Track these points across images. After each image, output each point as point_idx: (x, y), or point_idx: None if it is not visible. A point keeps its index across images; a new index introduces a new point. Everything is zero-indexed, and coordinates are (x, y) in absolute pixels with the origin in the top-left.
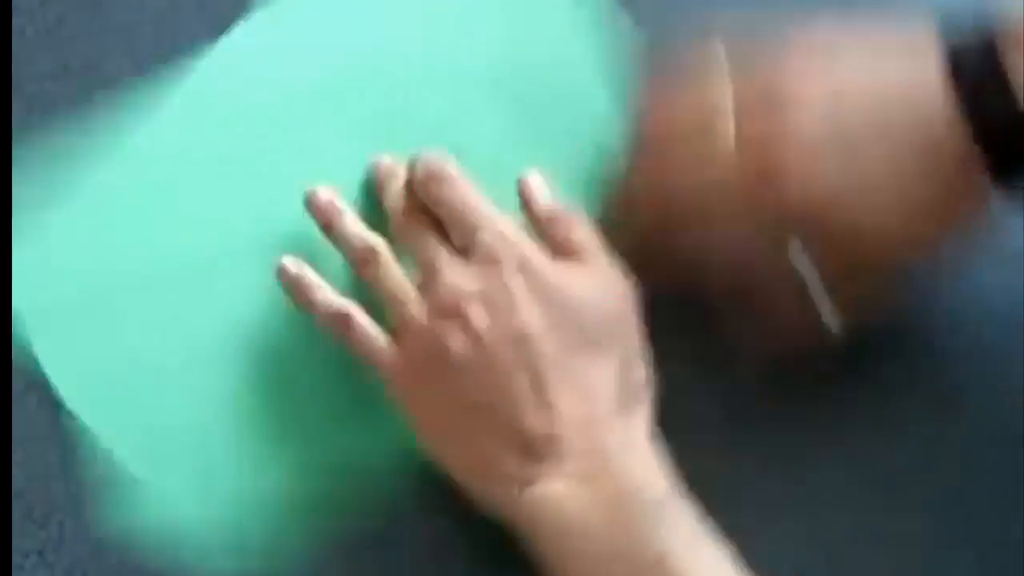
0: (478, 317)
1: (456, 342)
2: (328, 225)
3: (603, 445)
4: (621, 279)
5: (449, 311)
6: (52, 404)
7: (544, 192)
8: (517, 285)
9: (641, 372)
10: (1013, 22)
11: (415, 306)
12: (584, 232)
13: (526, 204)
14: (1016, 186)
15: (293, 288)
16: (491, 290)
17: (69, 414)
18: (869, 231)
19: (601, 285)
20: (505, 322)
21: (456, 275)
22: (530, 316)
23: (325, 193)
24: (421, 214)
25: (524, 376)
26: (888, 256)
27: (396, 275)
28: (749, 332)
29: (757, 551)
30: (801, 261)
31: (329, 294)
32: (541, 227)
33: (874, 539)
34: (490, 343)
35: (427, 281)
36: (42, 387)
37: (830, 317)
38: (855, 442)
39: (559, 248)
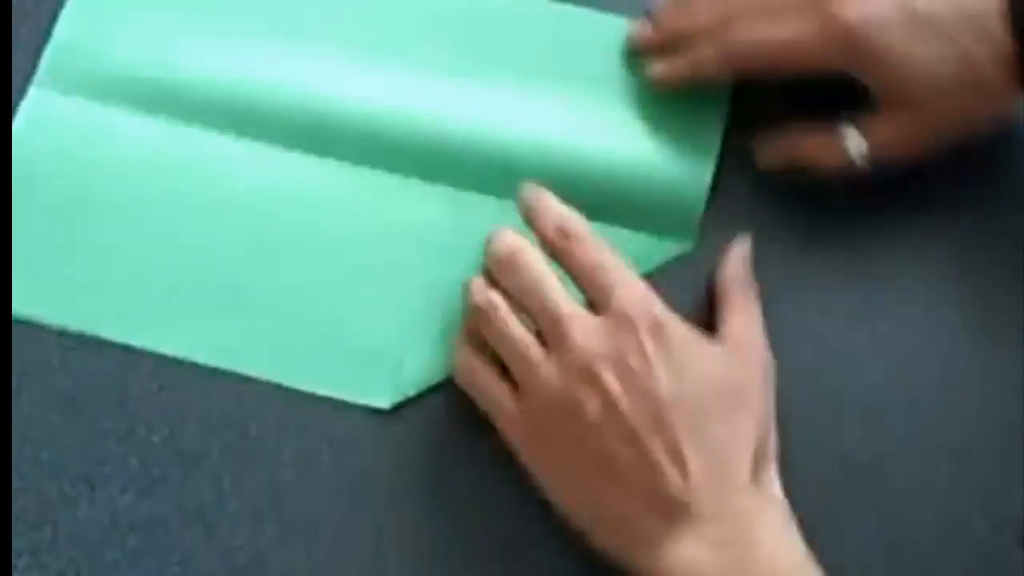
0: (611, 381)
1: (591, 406)
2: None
3: (739, 510)
4: (756, 347)
5: (582, 374)
6: (43, 403)
7: (740, 261)
8: (651, 348)
9: (772, 437)
10: None
11: (544, 365)
12: (750, 306)
13: (720, 266)
14: None
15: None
16: (625, 352)
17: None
18: (915, 83)
19: (732, 357)
20: (640, 386)
21: (588, 335)
22: (664, 380)
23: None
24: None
25: (658, 440)
26: (924, 112)
27: (518, 330)
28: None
29: None
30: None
31: (461, 346)
32: (721, 290)
33: None
34: (624, 407)
35: (556, 339)
36: (34, 387)
37: (857, 148)
38: None
39: (722, 304)
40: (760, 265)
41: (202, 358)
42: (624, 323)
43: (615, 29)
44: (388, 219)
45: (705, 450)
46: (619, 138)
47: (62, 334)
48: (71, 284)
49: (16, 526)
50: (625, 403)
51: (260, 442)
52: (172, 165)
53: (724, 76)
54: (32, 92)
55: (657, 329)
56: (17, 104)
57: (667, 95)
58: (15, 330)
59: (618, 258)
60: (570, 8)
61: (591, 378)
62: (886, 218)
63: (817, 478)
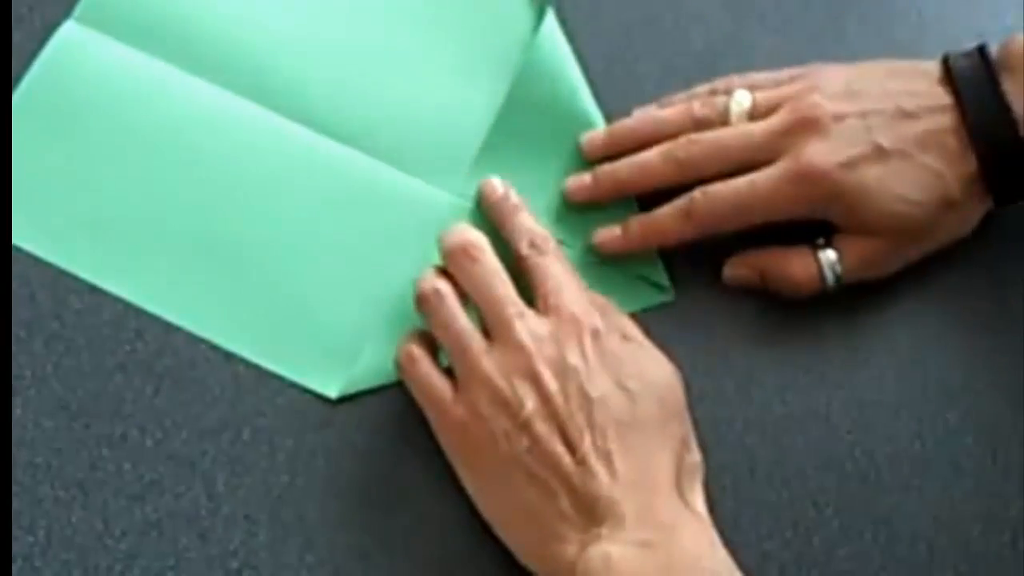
0: (549, 378)
1: (527, 401)
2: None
3: (662, 515)
4: (673, 368)
5: (522, 369)
6: (37, 408)
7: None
8: (591, 350)
9: (696, 455)
10: (1011, 50)
11: (485, 357)
12: (634, 327)
13: None
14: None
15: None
16: (565, 352)
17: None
18: (892, 213)
19: (660, 369)
20: (575, 384)
21: (532, 332)
22: (600, 381)
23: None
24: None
25: (589, 438)
26: (893, 237)
27: (463, 320)
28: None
29: None
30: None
31: (403, 337)
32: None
33: None
34: (560, 405)
35: (501, 332)
36: (28, 392)
37: (832, 271)
38: None
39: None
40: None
41: (163, 311)
42: (568, 325)
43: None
44: (373, 209)
45: (632, 454)
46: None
47: (55, 338)
48: (60, 216)
49: (10, 530)
50: (560, 400)
51: (253, 446)
52: (174, 114)
53: (687, 237)
54: (68, 25)
55: (598, 334)
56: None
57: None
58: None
59: (577, 277)
60: None
61: (530, 373)
62: None
63: (812, 487)
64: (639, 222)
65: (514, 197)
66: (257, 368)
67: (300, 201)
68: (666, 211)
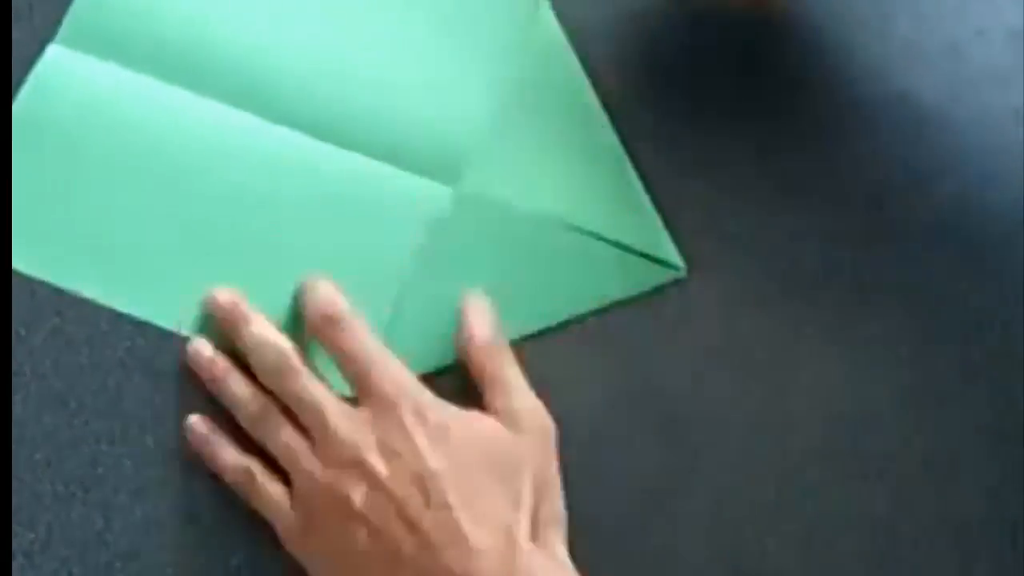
0: (377, 463)
1: (357, 493)
2: (219, 376)
3: (525, 570)
4: (527, 416)
5: (347, 462)
6: (37, 405)
7: (485, 321)
8: (413, 427)
9: (558, 503)
10: None
11: (308, 461)
12: (510, 368)
13: (464, 326)
14: None
15: (200, 448)
16: (388, 436)
17: None
18: None
19: (491, 429)
20: (406, 465)
21: (349, 425)
22: (429, 455)
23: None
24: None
25: (431, 515)
26: None
27: (284, 432)
28: None
29: None
30: None
31: (233, 452)
32: (474, 356)
33: None
34: (393, 488)
35: (319, 433)
36: (28, 388)
37: None
38: None
39: (483, 377)
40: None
41: (166, 323)
42: (384, 407)
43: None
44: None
45: (481, 518)
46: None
47: (54, 334)
48: (61, 237)
49: (10, 527)
50: (393, 483)
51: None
52: (164, 127)
53: None
54: (52, 48)
55: (417, 409)
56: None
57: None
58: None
59: (380, 344)
60: None
61: (356, 464)
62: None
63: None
64: None
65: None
66: None
67: (293, 203)
68: None
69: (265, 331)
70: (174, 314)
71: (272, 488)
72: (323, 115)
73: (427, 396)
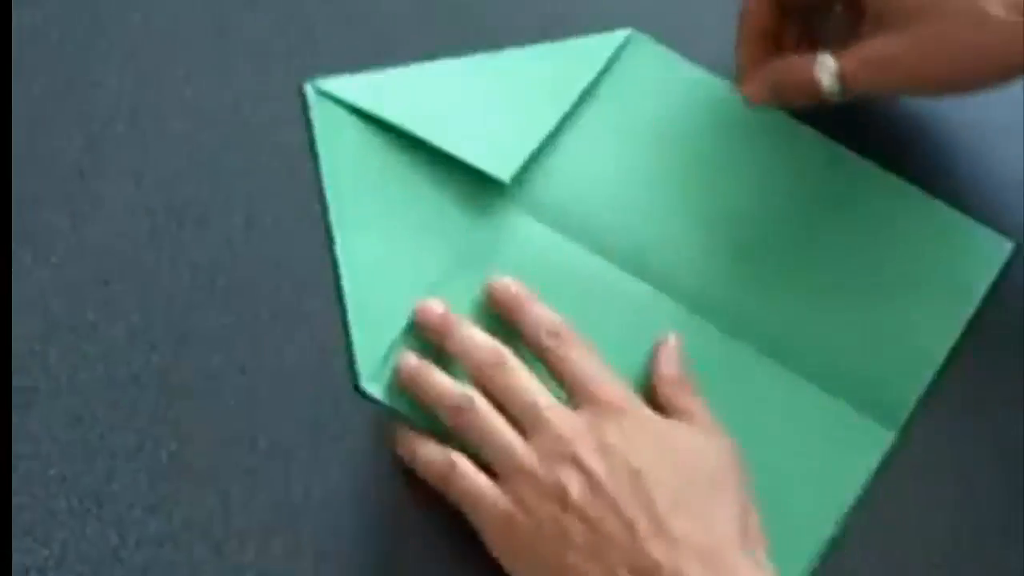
0: (593, 460)
1: (574, 486)
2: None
3: (732, 570)
4: (726, 437)
5: (563, 456)
6: (51, 420)
7: (674, 358)
8: (629, 428)
9: (756, 519)
10: None
11: (523, 451)
12: (695, 399)
13: (654, 363)
14: None
15: (399, 447)
16: (604, 433)
17: None
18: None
19: (706, 438)
20: (620, 462)
21: (565, 420)
22: (644, 456)
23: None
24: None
25: (643, 512)
26: (908, 34)
27: (497, 421)
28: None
29: None
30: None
31: (435, 445)
32: (661, 387)
33: None
34: (609, 485)
35: (534, 426)
36: (42, 403)
37: (829, 72)
38: None
39: (670, 408)
40: None
41: None
42: (602, 410)
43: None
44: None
45: (692, 517)
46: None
47: (70, 350)
48: None
49: (24, 542)
50: (608, 480)
51: (268, 458)
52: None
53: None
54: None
55: (635, 414)
56: None
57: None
58: (23, 347)
59: (601, 360)
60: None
61: (572, 459)
62: None
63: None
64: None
65: (522, 289)
66: (272, 381)
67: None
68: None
69: (477, 332)
70: None
71: (478, 478)
72: (778, 338)
73: (647, 409)
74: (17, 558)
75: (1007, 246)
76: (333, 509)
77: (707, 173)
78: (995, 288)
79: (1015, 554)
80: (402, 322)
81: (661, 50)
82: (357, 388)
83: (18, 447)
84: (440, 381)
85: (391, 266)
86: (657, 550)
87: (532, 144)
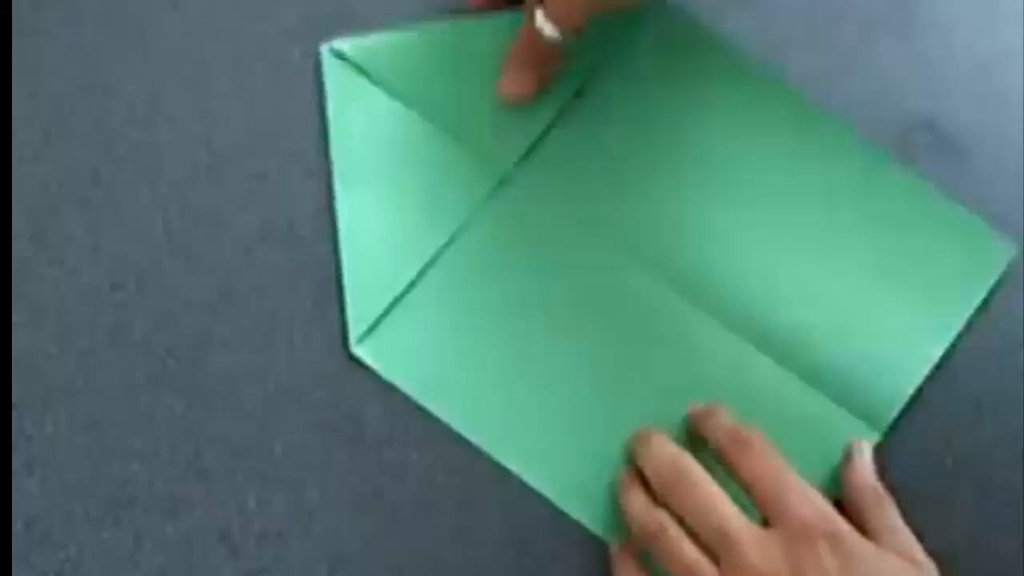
0: None
1: None
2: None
3: None
4: (932, 566)
5: None
6: (69, 424)
7: (869, 470)
8: (830, 562)
9: None
10: None
11: None
12: (893, 516)
13: (849, 474)
14: None
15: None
16: (803, 568)
17: None
18: None
19: (902, 569)
20: None
21: (763, 551)
22: None
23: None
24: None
25: None
26: None
27: (691, 552)
28: None
29: None
30: None
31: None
32: (856, 499)
33: None
34: None
35: (729, 557)
36: (59, 408)
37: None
38: None
39: (865, 527)
40: None
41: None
42: (799, 535)
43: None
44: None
45: None
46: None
47: (86, 354)
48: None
49: (42, 547)
50: None
51: (285, 462)
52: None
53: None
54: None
55: (835, 540)
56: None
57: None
58: (39, 352)
59: (789, 466)
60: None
61: None
62: None
63: None
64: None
65: (705, 405)
66: (288, 385)
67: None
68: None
69: (661, 444)
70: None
71: (687, 550)
72: (770, 330)
73: (843, 524)
74: (35, 562)
75: (1011, 248)
76: (349, 513)
77: (717, 157)
78: (995, 290)
79: (1003, 552)
80: (397, 288)
81: (679, 25)
82: (348, 353)
83: (35, 451)
84: (634, 500)
85: (390, 234)
86: None
87: (535, 131)
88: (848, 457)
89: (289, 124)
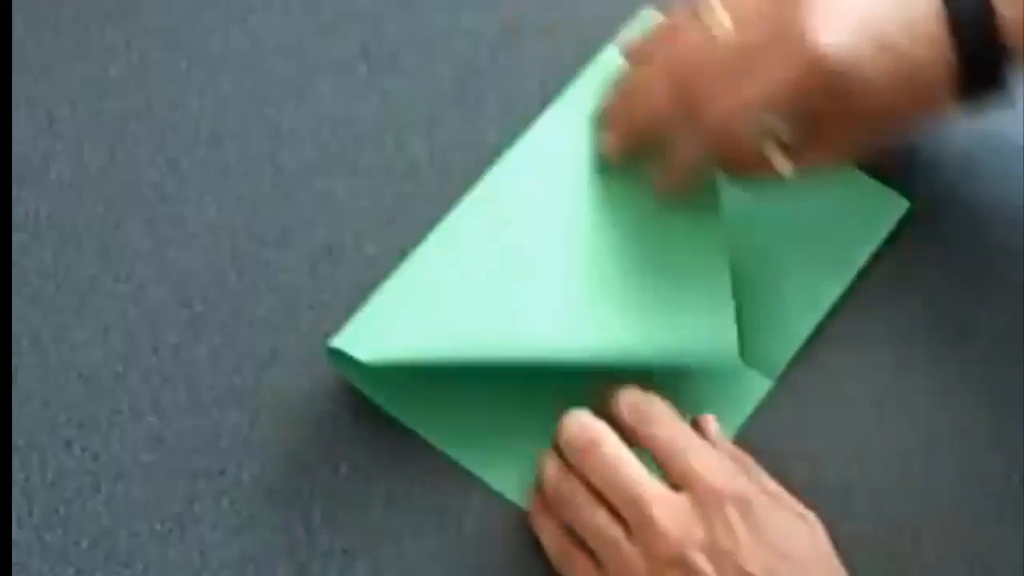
0: (703, 564)
1: None
2: None
3: None
4: (811, 518)
5: (672, 559)
6: (134, 442)
7: (723, 441)
8: (739, 525)
9: None
10: None
11: (628, 551)
12: (764, 479)
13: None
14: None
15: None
16: (714, 532)
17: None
18: (849, 110)
19: (805, 528)
20: (732, 567)
21: (673, 516)
22: (758, 559)
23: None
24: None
25: None
26: (861, 124)
27: (601, 518)
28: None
29: None
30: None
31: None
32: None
33: None
34: None
35: (638, 523)
36: (125, 426)
37: (784, 168)
38: None
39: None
40: None
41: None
42: (707, 499)
43: None
44: None
45: None
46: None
47: (152, 372)
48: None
49: (108, 565)
50: None
51: (351, 480)
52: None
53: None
54: None
55: (742, 503)
56: None
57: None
58: (106, 369)
59: (696, 435)
60: None
61: (680, 562)
62: None
63: None
64: (664, 165)
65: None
66: (353, 406)
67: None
68: (688, 146)
69: (577, 416)
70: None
71: (588, 570)
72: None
73: (750, 486)
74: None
75: (904, 203)
76: (414, 532)
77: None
78: (888, 245)
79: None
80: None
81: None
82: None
83: (101, 469)
84: (549, 465)
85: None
86: None
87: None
88: (702, 426)
89: (354, 141)
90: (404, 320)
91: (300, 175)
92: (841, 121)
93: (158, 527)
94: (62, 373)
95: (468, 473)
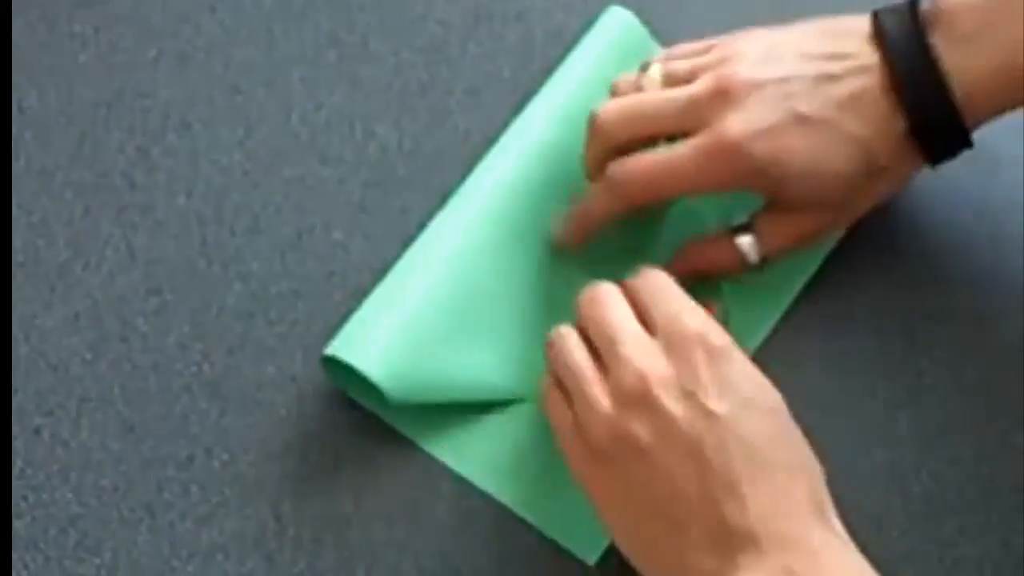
0: (668, 401)
1: (644, 430)
2: None
3: (803, 540)
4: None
5: (636, 395)
6: (103, 430)
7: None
8: (706, 372)
9: (822, 476)
10: (940, 3)
11: (594, 389)
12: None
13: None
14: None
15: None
16: (680, 374)
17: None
18: (810, 183)
19: (771, 392)
20: (697, 407)
21: (643, 353)
22: (721, 402)
23: None
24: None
25: (715, 464)
26: (816, 210)
27: (579, 354)
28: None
29: None
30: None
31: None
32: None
33: None
34: (680, 428)
35: (610, 358)
36: (94, 414)
37: (751, 249)
38: None
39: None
40: None
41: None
42: (678, 342)
43: None
44: None
45: (763, 477)
46: None
47: (121, 360)
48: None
49: (76, 552)
50: (680, 424)
51: (320, 468)
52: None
53: (615, 212)
54: None
55: (713, 353)
56: None
57: None
58: (75, 358)
59: (679, 289)
60: None
61: (644, 398)
62: None
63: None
64: (573, 211)
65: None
66: (322, 391)
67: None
68: (591, 190)
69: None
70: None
71: (560, 409)
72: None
73: (724, 338)
74: (70, 568)
75: None
76: (384, 520)
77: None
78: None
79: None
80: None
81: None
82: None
83: (71, 457)
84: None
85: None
86: (732, 511)
87: None
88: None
89: (324, 128)
90: (399, 330)
91: (269, 163)
92: (790, 205)
93: (127, 515)
94: (31, 361)
95: (438, 461)
